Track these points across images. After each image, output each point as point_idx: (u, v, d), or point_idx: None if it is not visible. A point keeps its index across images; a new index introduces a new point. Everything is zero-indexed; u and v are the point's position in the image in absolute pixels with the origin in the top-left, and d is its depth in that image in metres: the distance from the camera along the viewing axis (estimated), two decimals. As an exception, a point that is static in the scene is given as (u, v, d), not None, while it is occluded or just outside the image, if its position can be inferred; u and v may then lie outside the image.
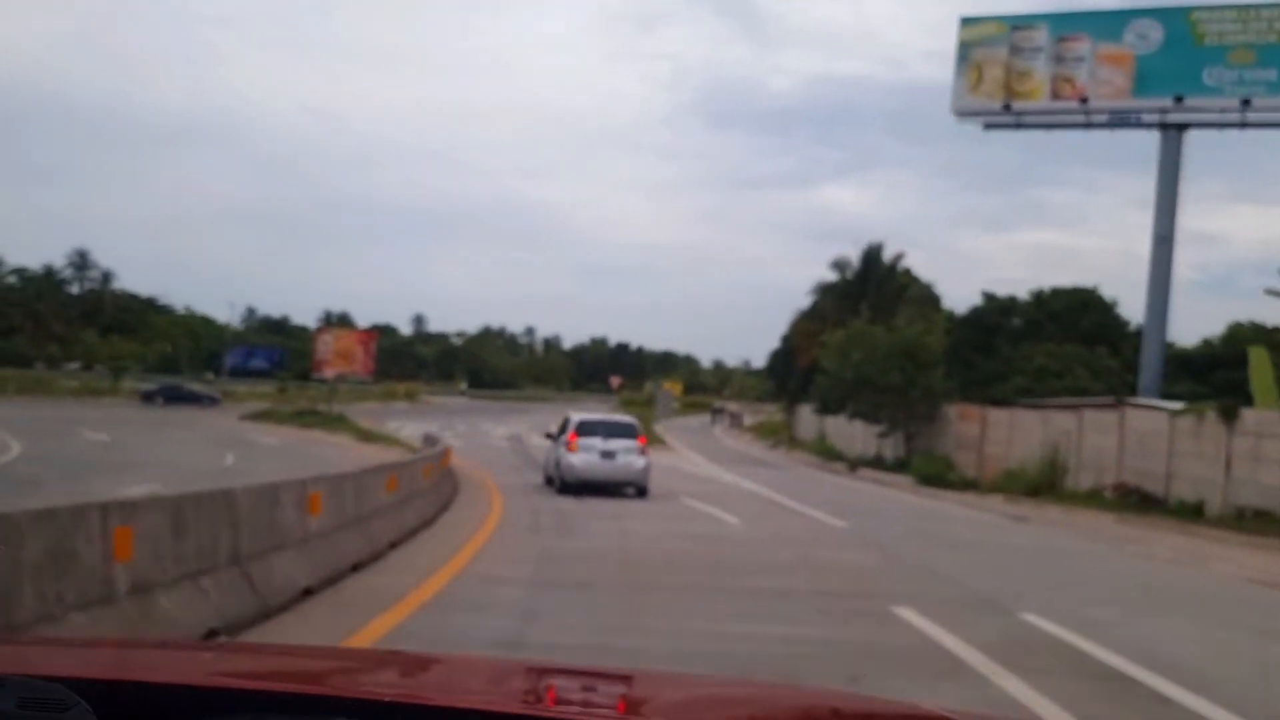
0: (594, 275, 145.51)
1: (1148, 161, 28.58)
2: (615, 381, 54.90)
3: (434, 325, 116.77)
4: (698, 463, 31.43)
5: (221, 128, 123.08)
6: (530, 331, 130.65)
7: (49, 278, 76.24)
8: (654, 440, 27.91)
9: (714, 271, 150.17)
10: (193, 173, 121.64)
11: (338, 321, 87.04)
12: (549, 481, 19.76)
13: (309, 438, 34.01)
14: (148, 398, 49.81)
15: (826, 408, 34.06)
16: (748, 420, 56.79)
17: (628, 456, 18.72)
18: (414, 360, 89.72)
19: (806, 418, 41.91)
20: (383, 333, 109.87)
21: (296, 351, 79.90)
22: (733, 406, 62.25)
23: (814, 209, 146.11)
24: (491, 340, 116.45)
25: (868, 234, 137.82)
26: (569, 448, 18.69)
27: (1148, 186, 28.57)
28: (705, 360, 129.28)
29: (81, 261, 78.05)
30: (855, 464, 31.98)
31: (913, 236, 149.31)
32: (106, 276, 79.59)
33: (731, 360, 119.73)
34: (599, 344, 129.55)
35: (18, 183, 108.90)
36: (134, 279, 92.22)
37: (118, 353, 64.51)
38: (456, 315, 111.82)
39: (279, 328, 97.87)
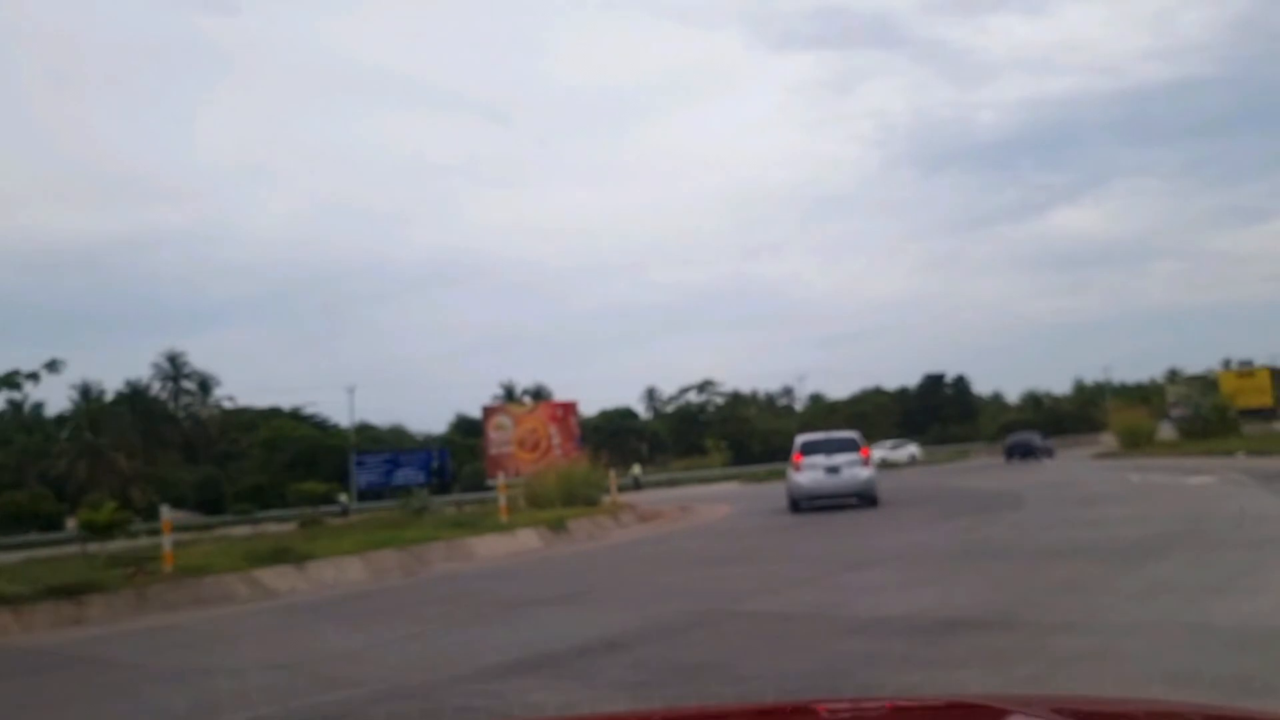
0: (833, 342, 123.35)
1: None
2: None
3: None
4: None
5: (463, 267, 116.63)
6: (788, 391, 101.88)
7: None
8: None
9: (954, 315, 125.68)
10: (441, 307, 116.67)
11: (529, 397, 62.11)
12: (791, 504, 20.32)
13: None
14: None
15: None
16: None
17: (852, 470, 19.57)
18: (637, 435, 62.65)
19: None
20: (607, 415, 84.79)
21: (475, 450, 56.05)
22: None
23: (1048, 236, 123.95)
24: (744, 405, 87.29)
25: (1108, 251, 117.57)
26: (795, 468, 19.99)
27: None
28: (1012, 395, 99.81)
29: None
30: None
31: (1160, 244, 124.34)
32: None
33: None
34: (874, 394, 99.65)
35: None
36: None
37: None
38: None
39: (478, 429, 74.45)
